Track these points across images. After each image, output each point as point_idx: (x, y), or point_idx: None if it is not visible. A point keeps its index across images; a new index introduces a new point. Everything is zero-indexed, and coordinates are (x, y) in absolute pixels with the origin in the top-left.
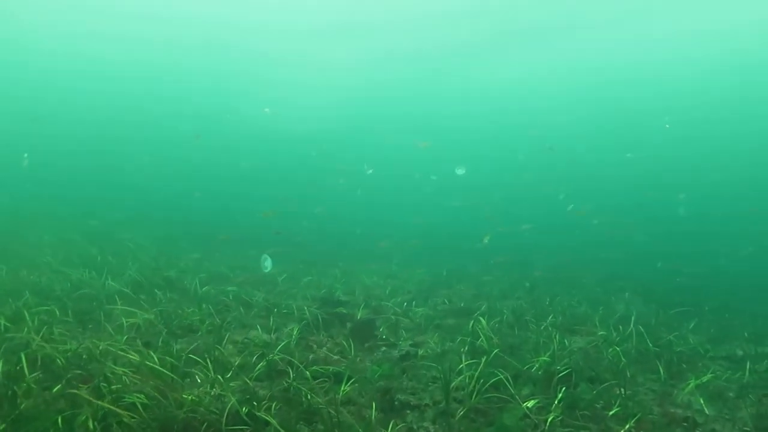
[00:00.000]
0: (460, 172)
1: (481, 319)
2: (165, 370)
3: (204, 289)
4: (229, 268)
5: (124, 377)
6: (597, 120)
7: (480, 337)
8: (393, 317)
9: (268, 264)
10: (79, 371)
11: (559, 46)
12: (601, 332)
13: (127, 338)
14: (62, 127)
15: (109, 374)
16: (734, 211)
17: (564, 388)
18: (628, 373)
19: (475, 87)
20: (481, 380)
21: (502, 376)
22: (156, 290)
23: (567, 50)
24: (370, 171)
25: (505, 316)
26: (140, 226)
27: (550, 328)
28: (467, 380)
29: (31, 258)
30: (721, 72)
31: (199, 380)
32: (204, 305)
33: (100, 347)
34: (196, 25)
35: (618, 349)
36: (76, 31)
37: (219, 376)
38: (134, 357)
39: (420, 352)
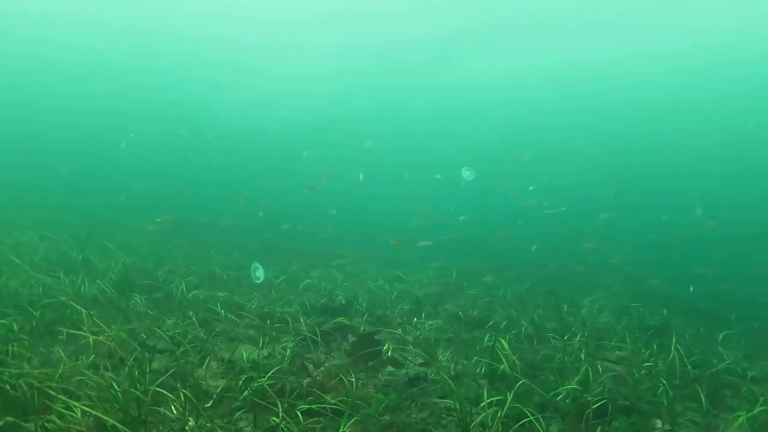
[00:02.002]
0: (467, 175)
1: (502, 341)
2: (120, 419)
3: (191, 294)
4: (222, 267)
5: (76, 415)
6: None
7: (497, 355)
8: (399, 329)
9: (259, 274)
10: (26, 403)
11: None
12: (633, 349)
13: (93, 358)
14: (44, 117)
15: (58, 413)
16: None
17: (599, 427)
18: (665, 401)
19: (467, 80)
20: (503, 414)
21: (528, 414)
22: (138, 296)
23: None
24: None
25: (523, 328)
26: (132, 222)
27: (575, 344)
28: (489, 418)
29: (2, 258)
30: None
31: (171, 415)
32: (191, 313)
33: (59, 371)
34: (181, 15)
35: (653, 371)
36: (61, 18)
37: (191, 418)
38: (93, 386)
39: (431, 374)
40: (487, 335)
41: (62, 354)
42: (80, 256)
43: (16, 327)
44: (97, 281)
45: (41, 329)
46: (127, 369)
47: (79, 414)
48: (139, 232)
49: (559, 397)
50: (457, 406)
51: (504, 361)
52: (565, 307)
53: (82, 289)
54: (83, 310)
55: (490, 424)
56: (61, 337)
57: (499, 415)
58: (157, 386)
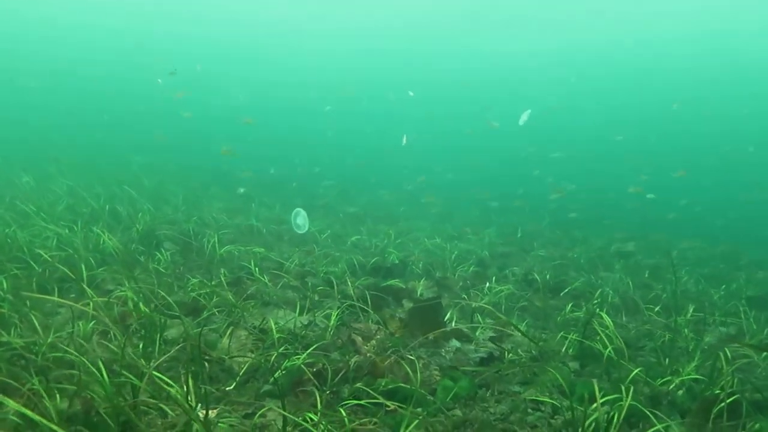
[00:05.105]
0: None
1: (603, 315)
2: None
3: (224, 249)
4: (263, 221)
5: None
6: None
7: (581, 327)
8: (463, 295)
9: (301, 221)
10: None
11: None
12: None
13: (92, 324)
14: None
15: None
16: None
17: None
18: None
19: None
20: (613, 413)
21: (644, 410)
22: (163, 251)
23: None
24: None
25: (609, 296)
26: (171, 171)
27: (676, 318)
28: (602, 419)
29: (17, 207)
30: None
31: (171, 412)
32: (222, 271)
33: (48, 341)
34: None
35: None
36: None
37: (201, 410)
38: (82, 361)
39: (507, 353)
40: (570, 304)
41: (58, 319)
42: (107, 207)
43: (6, 284)
44: (119, 234)
45: (48, 287)
46: (122, 340)
47: (58, 400)
48: (175, 180)
49: (671, 387)
50: (549, 401)
51: (605, 340)
52: (647, 273)
53: (101, 242)
54: (106, 261)
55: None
56: (72, 295)
57: (615, 418)
58: (169, 360)
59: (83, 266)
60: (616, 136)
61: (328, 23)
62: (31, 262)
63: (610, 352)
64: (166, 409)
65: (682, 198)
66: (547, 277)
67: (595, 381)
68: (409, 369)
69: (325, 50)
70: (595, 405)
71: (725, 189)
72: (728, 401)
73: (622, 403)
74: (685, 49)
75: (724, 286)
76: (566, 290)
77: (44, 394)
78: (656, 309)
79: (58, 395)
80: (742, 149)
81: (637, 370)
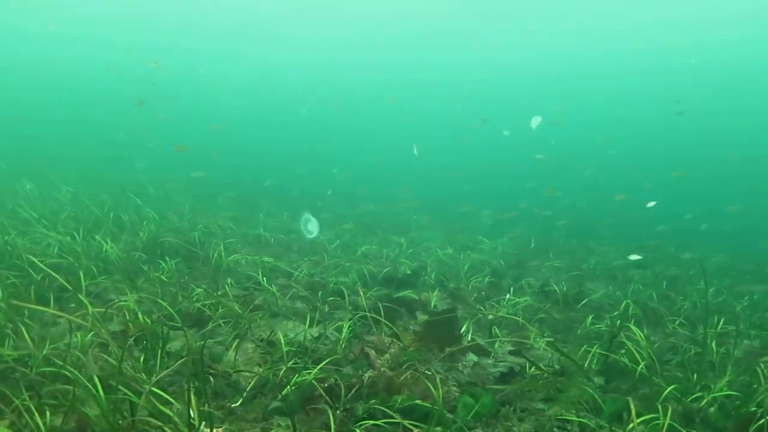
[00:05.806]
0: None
1: (633, 327)
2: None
3: (231, 258)
4: (270, 230)
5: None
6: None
7: (606, 341)
8: (479, 306)
9: (312, 227)
10: None
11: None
12: None
13: (91, 336)
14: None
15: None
16: None
17: None
18: None
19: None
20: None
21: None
22: (168, 259)
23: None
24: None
25: (630, 308)
26: (175, 177)
27: (706, 331)
28: None
29: (18, 215)
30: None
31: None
32: (229, 280)
33: (43, 353)
34: None
35: None
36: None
37: (205, 429)
38: (77, 377)
39: (529, 368)
40: (590, 316)
41: (55, 330)
42: (111, 215)
43: (2, 293)
44: (123, 242)
45: (47, 296)
46: (119, 353)
47: (48, 418)
48: (182, 190)
49: (702, 404)
50: (575, 419)
51: (634, 354)
52: (664, 284)
53: (104, 251)
54: (108, 271)
55: None
56: (72, 305)
57: None
58: (171, 374)
59: (83, 275)
60: (612, 150)
61: (334, 33)
62: (30, 270)
63: (642, 368)
64: (167, 430)
65: (693, 209)
66: (564, 288)
67: (630, 399)
68: (430, 385)
69: (327, 61)
70: (631, 425)
71: (737, 200)
72: (767, 418)
73: (656, 421)
74: (689, 60)
75: (747, 298)
76: (584, 302)
77: (35, 411)
78: (678, 321)
79: (48, 412)
80: (751, 159)
81: (672, 387)
